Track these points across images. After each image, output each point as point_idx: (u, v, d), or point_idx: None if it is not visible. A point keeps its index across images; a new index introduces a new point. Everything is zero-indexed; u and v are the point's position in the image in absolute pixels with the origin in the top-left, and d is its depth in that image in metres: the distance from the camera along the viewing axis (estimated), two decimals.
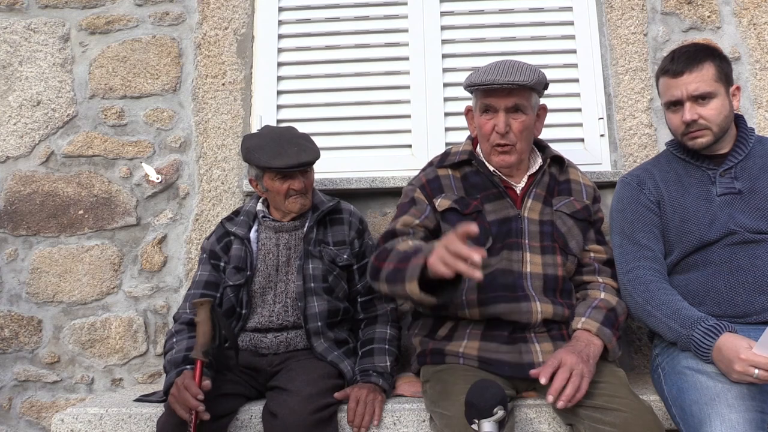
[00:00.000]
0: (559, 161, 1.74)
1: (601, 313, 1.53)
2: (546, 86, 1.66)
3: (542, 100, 1.69)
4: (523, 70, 1.57)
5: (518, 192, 1.65)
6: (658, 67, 1.63)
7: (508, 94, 1.57)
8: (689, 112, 1.53)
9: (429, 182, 1.68)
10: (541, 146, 1.74)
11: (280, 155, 1.70)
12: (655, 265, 1.55)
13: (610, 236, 1.69)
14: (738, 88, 1.58)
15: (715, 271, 1.51)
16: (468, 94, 2.23)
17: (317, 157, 1.76)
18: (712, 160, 1.59)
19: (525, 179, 1.67)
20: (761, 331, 1.26)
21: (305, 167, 1.73)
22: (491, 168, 1.65)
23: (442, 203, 1.63)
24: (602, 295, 1.59)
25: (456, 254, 1.18)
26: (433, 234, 1.62)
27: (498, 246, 1.58)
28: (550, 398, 1.33)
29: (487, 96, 1.59)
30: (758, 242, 1.49)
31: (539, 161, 1.70)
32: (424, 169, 1.75)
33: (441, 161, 1.73)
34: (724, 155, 1.59)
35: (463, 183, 1.67)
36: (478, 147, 1.72)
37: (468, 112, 1.75)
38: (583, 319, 1.52)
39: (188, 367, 1.51)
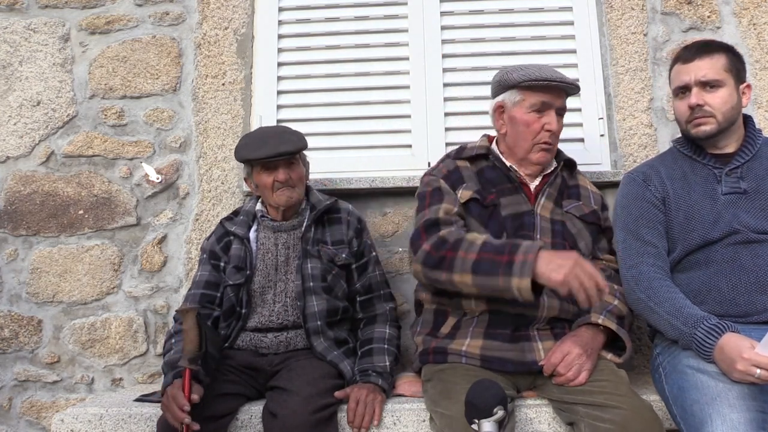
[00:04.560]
0: (570, 166, 1.77)
1: (614, 317, 1.56)
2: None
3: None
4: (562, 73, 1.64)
5: (532, 189, 1.68)
6: (673, 58, 1.64)
7: (559, 95, 1.64)
8: (695, 96, 1.54)
9: (450, 173, 1.68)
10: None
11: (260, 147, 1.73)
12: (659, 262, 1.55)
13: (614, 231, 1.69)
14: (749, 87, 1.58)
15: (718, 270, 1.51)
16: (467, 95, 2.27)
17: (299, 147, 1.75)
18: (718, 159, 1.59)
19: (539, 179, 1.70)
20: (763, 331, 1.26)
21: (285, 157, 1.73)
22: (508, 163, 1.68)
23: (463, 194, 1.63)
24: (616, 302, 1.61)
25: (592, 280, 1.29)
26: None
27: None
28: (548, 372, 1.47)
29: (546, 93, 1.61)
30: (761, 242, 1.49)
31: (554, 163, 1.73)
32: (442, 160, 1.74)
33: (458, 154, 1.74)
34: (731, 154, 1.59)
35: (478, 177, 1.69)
36: (494, 144, 1.75)
37: (498, 108, 1.70)
38: (601, 317, 1.54)
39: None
